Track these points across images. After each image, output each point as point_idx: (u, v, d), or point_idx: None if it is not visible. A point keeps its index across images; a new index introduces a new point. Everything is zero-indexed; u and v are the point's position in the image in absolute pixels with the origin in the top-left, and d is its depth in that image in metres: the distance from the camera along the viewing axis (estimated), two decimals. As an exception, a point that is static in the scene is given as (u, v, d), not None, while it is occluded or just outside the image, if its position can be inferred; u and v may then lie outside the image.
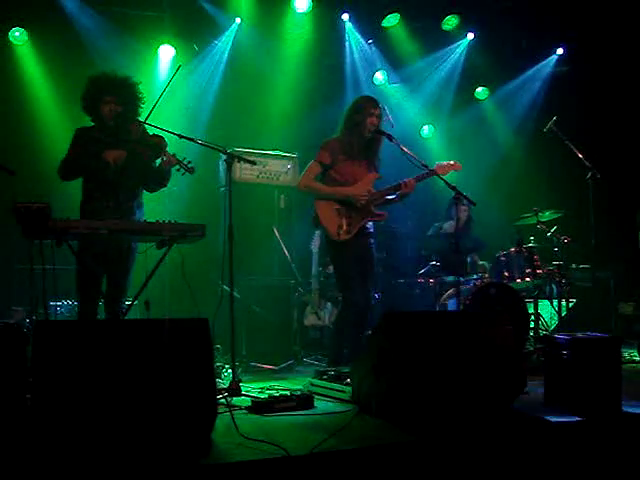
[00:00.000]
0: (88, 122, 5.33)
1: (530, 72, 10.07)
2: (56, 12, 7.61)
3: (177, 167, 5.14)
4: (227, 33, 8.57)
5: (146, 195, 5.46)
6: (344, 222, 5.55)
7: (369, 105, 5.66)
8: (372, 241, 5.75)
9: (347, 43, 9.25)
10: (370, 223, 5.75)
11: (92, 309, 5.09)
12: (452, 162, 5.82)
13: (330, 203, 5.61)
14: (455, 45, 9.71)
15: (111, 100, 5.15)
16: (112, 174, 5.05)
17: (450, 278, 7.32)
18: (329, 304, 7.43)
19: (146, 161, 5.22)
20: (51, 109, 7.75)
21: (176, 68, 5.53)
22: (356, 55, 9.34)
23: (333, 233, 5.55)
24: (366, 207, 5.62)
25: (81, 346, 3.41)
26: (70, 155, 5.16)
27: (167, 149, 5.19)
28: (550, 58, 10.04)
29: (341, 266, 5.67)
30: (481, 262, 8.00)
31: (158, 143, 5.20)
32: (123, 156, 5.07)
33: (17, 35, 7.73)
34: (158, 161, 5.25)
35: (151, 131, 5.29)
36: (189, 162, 5.14)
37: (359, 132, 5.63)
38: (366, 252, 5.69)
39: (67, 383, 3.32)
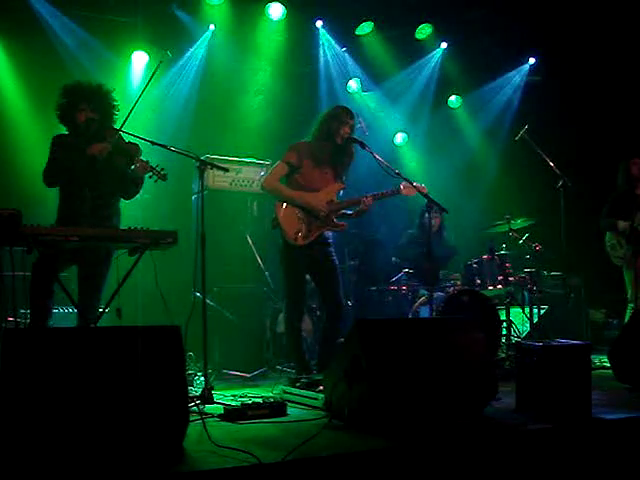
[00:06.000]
0: (62, 130, 5.31)
1: (502, 80, 10.18)
2: (28, 18, 7.51)
3: (150, 174, 5.13)
4: (201, 40, 8.53)
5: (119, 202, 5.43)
6: (303, 228, 5.59)
7: (345, 115, 5.70)
8: (331, 250, 5.78)
9: (321, 51, 9.26)
10: (330, 232, 5.78)
11: (44, 321, 4.96)
12: (417, 184, 5.80)
13: (292, 207, 5.63)
14: (429, 54, 9.76)
15: (86, 108, 5.16)
16: (100, 166, 5.02)
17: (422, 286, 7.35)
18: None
19: (120, 168, 5.20)
20: (23, 116, 7.64)
21: (157, 65, 5.49)
22: (330, 63, 9.34)
23: (290, 236, 5.57)
24: (327, 217, 5.66)
25: (52, 354, 3.38)
26: (53, 159, 5.14)
27: (141, 156, 5.18)
28: (522, 67, 10.15)
29: (290, 271, 5.69)
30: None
31: (132, 150, 5.19)
32: (108, 148, 5.04)
33: (-13, 42, 7.65)
34: (132, 167, 5.23)
35: (126, 138, 5.28)
36: (162, 169, 5.13)
37: (332, 140, 5.66)
38: (324, 260, 5.71)
39: (37, 392, 3.28)
